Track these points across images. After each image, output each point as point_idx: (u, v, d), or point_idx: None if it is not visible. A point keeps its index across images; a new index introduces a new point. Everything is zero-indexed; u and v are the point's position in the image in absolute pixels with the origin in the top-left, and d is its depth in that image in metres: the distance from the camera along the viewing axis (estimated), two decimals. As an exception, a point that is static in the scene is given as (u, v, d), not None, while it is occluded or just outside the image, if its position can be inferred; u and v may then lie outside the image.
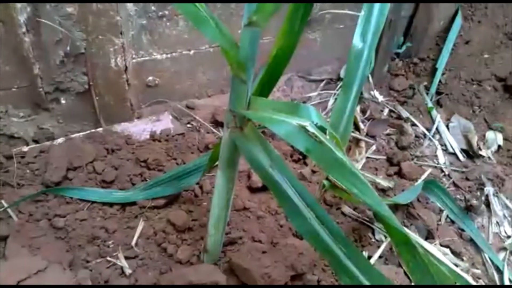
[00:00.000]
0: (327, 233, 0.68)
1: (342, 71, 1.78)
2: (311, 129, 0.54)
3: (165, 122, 1.35)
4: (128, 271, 0.91)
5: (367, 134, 1.58)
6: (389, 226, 0.71)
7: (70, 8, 1.08)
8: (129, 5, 1.19)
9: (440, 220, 1.25)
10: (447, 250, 1.11)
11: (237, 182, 1.14)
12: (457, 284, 0.99)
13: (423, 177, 1.39)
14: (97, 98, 1.24)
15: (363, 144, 1.50)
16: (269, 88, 0.70)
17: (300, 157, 1.34)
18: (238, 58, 0.57)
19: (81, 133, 1.25)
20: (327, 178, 1.01)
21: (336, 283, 0.98)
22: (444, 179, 1.45)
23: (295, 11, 0.58)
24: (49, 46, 1.10)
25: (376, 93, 1.80)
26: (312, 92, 1.73)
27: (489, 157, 1.56)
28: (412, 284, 0.98)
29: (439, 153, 1.56)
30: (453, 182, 1.43)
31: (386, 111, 1.73)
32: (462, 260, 1.14)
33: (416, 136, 1.61)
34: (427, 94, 1.82)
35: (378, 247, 1.09)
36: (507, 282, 1.12)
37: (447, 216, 1.27)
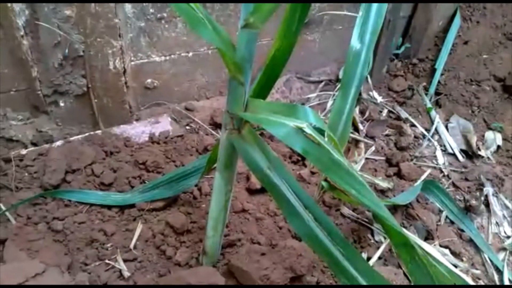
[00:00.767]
0: (326, 235, 0.68)
1: (341, 72, 1.78)
2: (309, 130, 0.54)
3: (164, 124, 1.35)
4: (126, 273, 0.91)
5: (366, 135, 1.58)
6: (388, 227, 0.71)
7: (68, 11, 1.08)
8: (128, 7, 1.19)
9: (439, 220, 1.25)
10: (447, 251, 1.11)
11: (235, 184, 1.14)
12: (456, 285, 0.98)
13: (423, 177, 1.39)
14: (95, 100, 1.24)
15: (362, 145, 1.50)
16: (267, 89, 0.70)
17: (299, 158, 1.34)
18: (235, 60, 0.57)
19: (79, 136, 1.25)
20: (325, 180, 1.01)
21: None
22: (443, 179, 1.44)
23: (292, 12, 0.58)
24: (47, 48, 1.10)
25: (375, 94, 1.80)
26: (311, 93, 1.73)
27: (488, 157, 1.56)
28: (412, 284, 0.98)
29: (438, 153, 1.55)
30: (453, 183, 1.43)
31: (385, 112, 1.73)
32: (462, 260, 1.14)
33: (415, 137, 1.61)
34: (426, 94, 1.82)
35: (378, 248, 1.09)
36: (506, 282, 1.12)
37: (447, 216, 1.26)
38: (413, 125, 1.67)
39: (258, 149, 0.67)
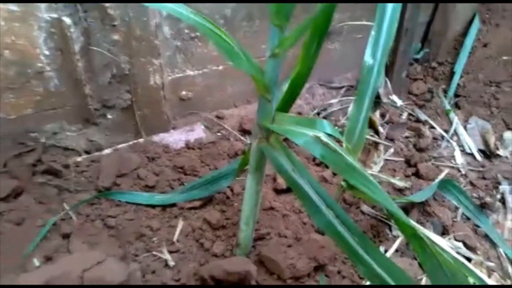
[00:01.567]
0: (345, 228, 0.78)
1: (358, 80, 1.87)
2: (325, 139, 0.66)
3: (198, 132, 1.49)
4: (171, 263, 1.05)
5: (386, 138, 1.67)
6: (398, 220, 0.80)
7: (116, 36, 1.23)
8: (166, 29, 1.34)
9: (455, 217, 1.33)
10: (460, 244, 1.19)
11: (264, 185, 1.27)
12: (463, 274, 1.06)
13: (440, 177, 1.47)
14: (138, 112, 1.39)
15: (381, 147, 1.59)
16: (290, 104, 0.82)
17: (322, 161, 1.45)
18: (264, 82, 0.70)
19: (125, 144, 1.40)
20: (344, 180, 1.12)
21: (355, 275, 1.08)
22: (461, 178, 1.51)
23: (311, 41, 0.70)
24: (98, 69, 1.26)
25: (395, 98, 1.88)
26: (333, 99, 1.83)
27: (506, 157, 1.61)
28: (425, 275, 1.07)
29: (457, 153, 1.62)
30: (470, 181, 1.50)
31: (405, 114, 1.81)
32: (477, 254, 1.21)
33: (434, 138, 1.68)
34: (445, 97, 1.89)
35: (394, 242, 1.18)
36: (521, 275, 1.19)
37: (463, 213, 1.34)
38: (432, 127, 1.74)
39: (284, 154, 0.79)
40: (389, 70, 1.89)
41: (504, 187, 1.43)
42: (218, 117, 1.59)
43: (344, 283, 1.04)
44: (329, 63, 1.79)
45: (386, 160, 1.54)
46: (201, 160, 1.36)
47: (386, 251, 1.16)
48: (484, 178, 1.51)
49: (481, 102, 1.86)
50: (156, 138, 1.44)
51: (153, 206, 1.20)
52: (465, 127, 1.75)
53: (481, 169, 1.55)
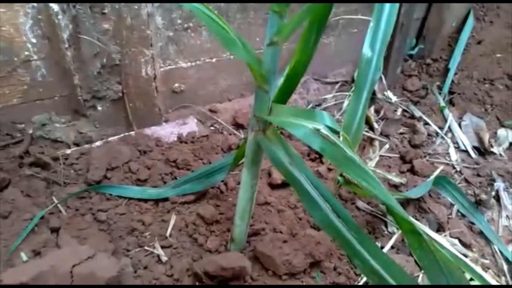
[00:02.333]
0: (341, 222, 0.77)
1: (356, 73, 1.86)
2: (324, 131, 0.64)
3: (190, 125, 1.46)
4: (164, 258, 1.03)
5: (381, 134, 1.66)
6: (396, 215, 0.79)
7: (106, 25, 1.19)
8: (158, 19, 1.30)
9: (451, 214, 1.32)
10: (456, 241, 1.18)
11: (259, 179, 1.25)
12: (463, 271, 1.06)
13: (435, 173, 1.46)
14: (129, 104, 1.36)
15: (376, 143, 1.58)
16: (287, 95, 0.80)
17: (317, 156, 1.43)
18: (261, 72, 0.68)
19: (116, 137, 1.36)
20: (341, 175, 1.10)
21: (351, 271, 1.06)
22: (455, 175, 1.51)
23: (310, 30, 0.67)
24: (88, 59, 1.22)
25: (389, 94, 1.88)
26: (327, 94, 1.81)
27: (500, 154, 1.61)
28: (421, 272, 1.06)
29: (451, 150, 1.62)
30: (465, 178, 1.49)
31: (399, 111, 1.81)
32: (472, 251, 1.21)
33: (428, 135, 1.68)
34: (439, 93, 1.89)
35: (391, 238, 1.17)
36: (515, 272, 1.19)
37: (458, 210, 1.33)
38: (426, 124, 1.74)
39: (281, 147, 0.77)
40: (384, 66, 1.87)
41: (498, 184, 1.43)
42: (211, 110, 1.56)
43: (340, 279, 1.03)
44: (324, 58, 1.78)
45: (381, 156, 1.53)
46: (194, 154, 1.33)
47: (382, 247, 1.15)
48: (478, 175, 1.51)
49: (475, 99, 1.86)
50: (148, 131, 1.41)
51: (145, 200, 1.18)
52: (459, 124, 1.74)
53: (475, 166, 1.55)
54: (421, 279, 1.06)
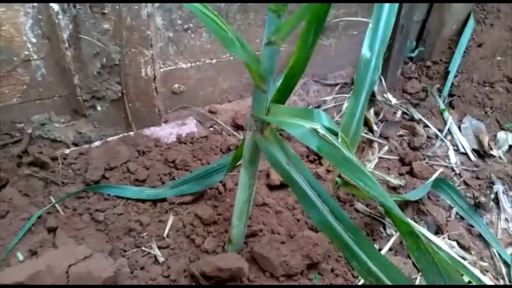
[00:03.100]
0: (338, 223, 0.76)
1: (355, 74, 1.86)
2: (322, 131, 0.64)
3: (190, 126, 1.46)
4: (161, 259, 1.02)
5: (380, 136, 1.65)
6: (394, 217, 0.79)
7: (106, 25, 1.20)
8: (158, 20, 1.31)
9: (449, 216, 1.32)
10: (454, 243, 1.18)
11: (257, 180, 1.24)
12: (459, 273, 1.05)
13: (434, 176, 1.46)
14: (129, 104, 1.36)
15: (376, 145, 1.57)
16: (286, 95, 0.79)
17: (316, 157, 1.43)
18: (259, 72, 0.67)
19: (115, 137, 1.36)
20: (339, 176, 1.10)
21: (348, 273, 1.06)
22: (455, 178, 1.51)
23: (308, 30, 0.67)
24: (87, 58, 1.22)
25: (389, 96, 1.87)
26: (327, 96, 1.81)
27: (500, 157, 1.61)
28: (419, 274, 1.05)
29: (451, 153, 1.61)
30: (464, 181, 1.49)
31: (399, 113, 1.80)
32: (470, 253, 1.20)
33: (428, 137, 1.67)
34: (439, 96, 1.88)
35: (389, 240, 1.17)
36: (514, 275, 1.18)
37: (457, 212, 1.33)
38: (426, 126, 1.74)
39: (279, 147, 0.76)
40: (384, 68, 1.87)
41: (497, 187, 1.43)
42: (211, 111, 1.56)
43: (337, 281, 1.02)
44: (324, 60, 1.78)
45: (380, 158, 1.53)
46: (193, 155, 1.33)
47: (380, 249, 1.14)
48: (478, 178, 1.50)
49: (475, 102, 1.86)
50: (147, 131, 1.41)
51: (143, 201, 1.18)
52: (459, 127, 1.74)
53: (475, 168, 1.55)
54: (419, 281, 1.06)
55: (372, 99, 1.79)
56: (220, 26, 0.64)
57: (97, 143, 1.31)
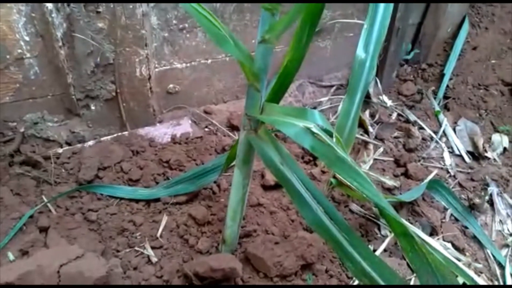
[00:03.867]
0: (332, 223, 0.76)
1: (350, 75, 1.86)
2: (316, 130, 0.63)
3: (184, 126, 1.46)
4: (154, 259, 1.01)
5: (376, 137, 1.65)
6: (388, 217, 0.78)
7: (101, 23, 1.19)
8: (153, 19, 1.30)
9: (444, 218, 1.32)
10: (449, 245, 1.18)
11: (251, 181, 1.24)
12: (453, 274, 1.05)
13: (429, 177, 1.46)
14: (123, 104, 1.35)
15: (371, 147, 1.57)
16: (280, 95, 0.79)
17: (311, 158, 1.42)
18: (253, 70, 0.67)
19: (109, 136, 1.36)
20: (334, 177, 1.10)
21: (343, 274, 1.05)
22: (449, 179, 1.51)
23: (302, 29, 0.67)
24: (81, 57, 1.21)
25: (385, 98, 1.88)
26: (323, 97, 1.81)
27: (494, 159, 1.62)
28: (414, 275, 1.05)
29: (446, 155, 1.62)
30: (458, 183, 1.49)
31: (394, 115, 1.81)
32: (465, 255, 1.20)
33: (423, 139, 1.68)
34: (434, 98, 1.89)
35: (383, 241, 1.16)
36: (508, 277, 1.18)
37: (451, 214, 1.33)
38: (421, 128, 1.74)
39: (272, 147, 0.76)
40: (379, 70, 1.88)
41: (492, 188, 1.43)
42: (206, 112, 1.55)
43: (332, 282, 1.02)
44: (320, 61, 1.78)
45: (376, 159, 1.53)
46: (187, 155, 1.32)
47: (374, 250, 1.14)
48: (472, 179, 1.51)
49: (470, 104, 1.87)
50: (141, 131, 1.40)
51: (136, 201, 1.17)
52: (454, 129, 1.75)
53: (469, 170, 1.55)
54: (414, 282, 1.05)
55: (367, 101, 1.79)
56: (213, 24, 0.64)
57: (90, 143, 1.30)
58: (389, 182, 1.28)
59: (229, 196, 0.92)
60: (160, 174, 1.24)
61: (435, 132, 1.72)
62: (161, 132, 1.42)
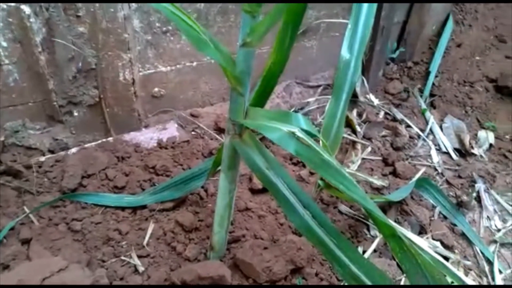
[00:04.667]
0: (319, 227, 0.75)
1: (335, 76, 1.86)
2: (300, 134, 0.62)
3: (171, 130, 1.43)
4: (141, 268, 0.99)
5: (363, 137, 1.65)
6: (376, 219, 0.78)
7: (81, 28, 1.16)
8: (135, 22, 1.28)
9: (433, 216, 1.32)
10: (438, 243, 1.18)
11: (239, 185, 1.22)
12: (442, 273, 1.05)
13: (417, 176, 1.46)
14: (107, 109, 1.32)
15: (359, 146, 1.57)
16: (264, 98, 0.78)
17: (299, 160, 1.41)
18: (235, 74, 0.66)
19: (93, 143, 1.33)
20: (321, 178, 1.09)
21: (333, 277, 1.05)
22: (437, 177, 1.51)
23: (284, 31, 0.66)
24: (62, 63, 1.18)
25: (371, 97, 1.88)
26: (310, 98, 1.81)
27: (481, 155, 1.63)
28: (403, 276, 1.05)
29: (433, 152, 1.63)
30: (446, 180, 1.50)
31: (381, 113, 1.81)
32: (454, 253, 1.20)
33: (410, 137, 1.68)
34: (421, 96, 1.90)
35: (373, 242, 1.16)
36: (497, 273, 1.19)
37: (440, 212, 1.33)
38: (408, 126, 1.75)
39: (258, 151, 0.75)
40: (365, 69, 1.88)
41: (479, 185, 1.44)
42: (192, 115, 1.53)
43: (322, 284, 1.01)
44: (306, 61, 1.77)
45: (364, 159, 1.53)
46: (174, 160, 1.30)
47: (364, 251, 1.13)
48: (460, 176, 1.51)
49: (455, 101, 1.88)
50: (126, 136, 1.37)
51: (122, 208, 1.14)
52: (440, 126, 1.76)
53: (456, 167, 1.56)
54: (403, 282, 1.05)
55: (354, 100, 1.79)
56: (192, 27, 0.62)
57: (74, 150, 1.28)
58: (378, 182, 1.28)
59: (216, 201, 0.91)
60: (146, 181, 1.22)
61: (422, 130, 1.73)
62: (147, 137, 1.40)
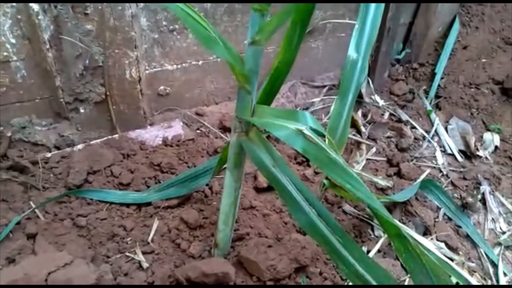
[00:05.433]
0: (325, 225, 0.75)
1: (342, 75, 1.86)
2: (307, 132, 0.62)
3: (176, 128, 1.44)
4: (145, 264, 1.00)
5: (368, 137, 1.65)
6: (382, 219, 0.78)
7: (89, 25, 1.17)
8: (143, 21, 1.28)
9: (437, 217, 1.32)
10: (442, 244, 1.18)
11: (244, 183, 1.23)
12: (447, 274, 1.05)
13: (422, 177, 1.46)
14: (113, 107, 1.33)
15: (363, 147, 1.57)
16: (271, 96, 0.78)
17: (304, 159, 1.42)
18: (243, 72, 0.66)
19: (98, 140, 1.34)
20: (327, 178, 1.09)
21: (337, 276, 1.05)
22: (442, 179, 1.51)
23: (293, 31, 0.66)
24: (70, 60, 1.19)
25: (377, 98, 1.88)
26: (315, 98, 1.81)
27: (486, 158, 1.62)
28: (408, 276, 1.05)
29: (438, 154, 1.62)
30: (451, 182, 1.49)
31: (386, 114, 1.81)
32: (458, 254, 1.20)
33: (415, 138, 1.68)
34: (426, 98, 1.89)
35: (377, 242, 1.16)
36: (501, 276, 1.18)
37: (444, 213, 1.33)
38: (413, 127, 1.74)
39: (264, 149, 0.75)
40: (371, 70, 1.88)
41: (484, 187, 1.43)
42: (197, 113, 1.54)
43: (326, 284, 1.01)
44: (312, 62, 1.77)
45: (368, 159, 1.53)
46: (179, 158, 1.31)
47: (368, 251, 1.13)
48: (464, 178, 1.51)
49: (461, 103, 1.87)
50: (132, 134, 1.38)
51: (127, 205, 1.15)
52: (445, 128, 1.75)
53: (461, 169, 1.56)
54: (408, 283, 1.05)
55: (359, 101, 1.79)
56: (202, 25, 0.63)
57: (79, 146, 1.28)
58: (382, 182, 1.28)
59: (221, 199, 0.91)
60: (151, 178, 1.22)
61: (427, 132, 1.73)
62: (152, 134, 1.40)
